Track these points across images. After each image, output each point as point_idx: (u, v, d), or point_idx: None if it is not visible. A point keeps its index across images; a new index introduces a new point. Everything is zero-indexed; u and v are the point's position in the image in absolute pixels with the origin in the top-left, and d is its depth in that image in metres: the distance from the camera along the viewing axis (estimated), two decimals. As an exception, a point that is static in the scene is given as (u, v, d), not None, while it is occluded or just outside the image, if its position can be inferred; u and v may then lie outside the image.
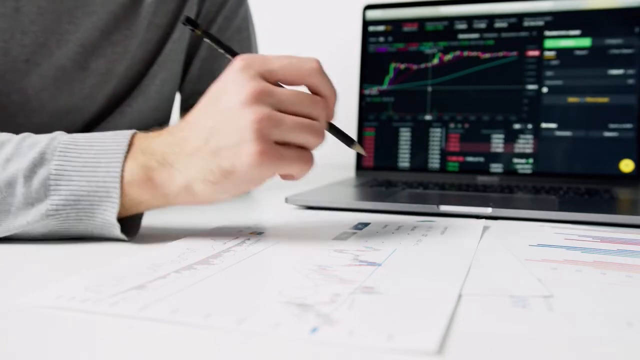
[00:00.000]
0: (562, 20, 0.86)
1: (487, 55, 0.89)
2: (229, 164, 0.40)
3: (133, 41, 0.69)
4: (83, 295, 0.31)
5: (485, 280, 0.35)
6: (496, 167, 0.87)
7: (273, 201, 0.68)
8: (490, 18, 0.89)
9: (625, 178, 0.81)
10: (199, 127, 0.42)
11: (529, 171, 0.85)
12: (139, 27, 0.69)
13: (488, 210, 0.57)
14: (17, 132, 0.64)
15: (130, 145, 0.43)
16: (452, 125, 0.89)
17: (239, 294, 0.32)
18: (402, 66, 0.92)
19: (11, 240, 0.44)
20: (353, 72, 1.02)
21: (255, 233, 0.48)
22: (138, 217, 0.46)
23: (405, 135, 0.91)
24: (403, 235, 0.48)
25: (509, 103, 0.87)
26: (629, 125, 0.82)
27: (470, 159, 0.88)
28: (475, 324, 0.28)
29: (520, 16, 0.88)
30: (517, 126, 0.86)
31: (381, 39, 0.94)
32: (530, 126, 0.86)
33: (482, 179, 0.87)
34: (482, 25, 0.89)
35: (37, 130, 0.65)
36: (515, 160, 0.86)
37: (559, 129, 0.85)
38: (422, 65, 0.92)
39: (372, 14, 0.95)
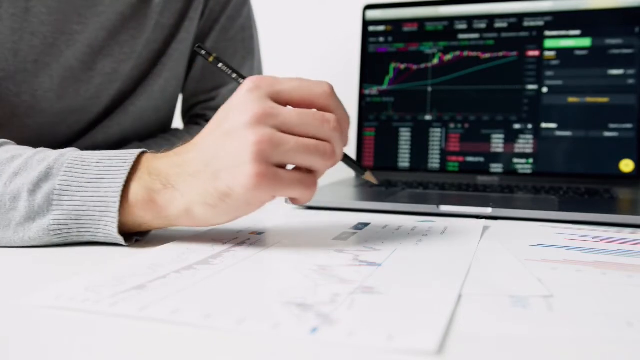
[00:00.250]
0: (562, 20, 0.86)
1: (487, 55, 0.89)
2: (226, 186, 0.40)
3: (139, 41, 0.69)
4: (83, 295, 0.31)
5: (485, 280, 0.35)
6: (496, 167, 0.87)
7: (273, 201, 0.68)
8: (490, 18, 0.89)
9: (625, 178, 0.81)
10: (203, 149, 0.41)
11: (529, 171, 0.85)
12: (146, 27, 0.69)
13: (488, 210, 0.57)
14: (22, 132, 0.65)
15: (137, 163, 0.43)
16: (452, 125, 0.89)
17: (239, 294, 0.32)
18: (402, 66, 0.92)
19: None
20: (353, 72, 1.02)
21: (255, 233, 0.48)
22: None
23: (405, 135, 0.91)
24: (403, 236, 0.48)
25: (509, 103, 0.87)
26: (629, 125, 0.82)
27: (470, 159, 0.88)
28: (475, 324, 0.28)
29: (520, 16, 0.88)
30: (517, 126, 0.86)
31: (381, 39, 0.94)
32: (530, 126, 0.86)
33: (482, 179, 0.87)
34: (482, 25, 0.89)
35: (42, 130, 0.66)
36: (515, 160, 0.86)
37: (559, 129, 0.85)
38: (422, 65, 0.92)
39: (372, 14, 0.95)
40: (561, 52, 0.85)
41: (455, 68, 0.90)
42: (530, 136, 0.86)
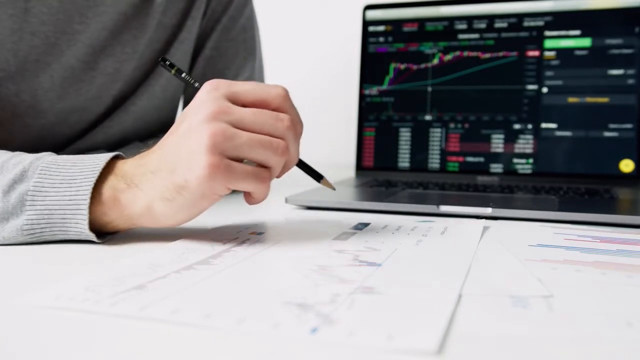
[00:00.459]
0: (562, 20, 0.86)
1: (487, 55, 0.89)
2: (182, 178, 0.41)
3: (141, 41, 0.69)
4: (83, 295, 0.31)
5: (485, 280, 0.35)
6: (496, 167, 0.87)
7: (273, 201, 0.68)
8: (490, 18, 0.89)
9: (625, 178, 0.81)
10: (164, 149, 0.43)
11: (529, 171, 0.85)
12: (148, 27, 0.69)
13: (488, 211, 0.57)
14: (24, 132, 0.65)
15: (108, 166, 0.44)
16: (452, 125, 0.89)
17: (239, 294, 0.32)
18: (402, 66, 0.92)
19: (11, 240, 0.44)
20: (353, 72, 1.02)
21: (255, 233, 0.48)
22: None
23: (405, 135, 0.91)
24: (403, 236, 0.48)
25: (509, 103, 0.87)
26: (629, 125, 0.82)
27: (470, 159, 0.88)
28: (475, 324, 0.28)
29: (520, 16, 0.88)
30: (517, 126, 0.86)
31: (381, 39, 0.94)
32: (530, 126, 0.86)
33: (482, 179, 0.87)
34: (482, 25, 0.89)
35: (43, 130, 0.66)
36: (515, 160, 0.86)
37: (559, 129, 0.85)
38: (422, 65, 0.92)
39: (372, 14, 0.95)
40: (561, 52, 0.85)
41: (455, 68, 0.90)
42: (530, 136, 0.86)
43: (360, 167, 0.93)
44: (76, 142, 0.69)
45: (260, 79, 0.83)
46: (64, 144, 0.69)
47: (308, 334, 0.26)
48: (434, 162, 0.90)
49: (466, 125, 0.89)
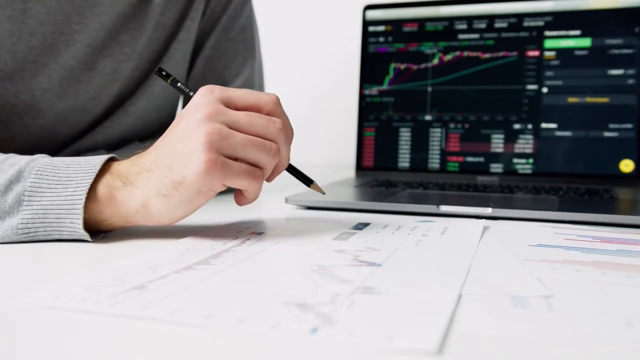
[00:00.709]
0: (562, 20, 0.86)
1: (487, 55, 0.89)
2: (180, 174, 0.42)
3: (140, 41, 0.69)
4: (83, 295, 0.31)
5: (485, 280, 0.35)
6: (496, 167, 0.87)
7: (273, 201, 0.68)
8: (490, 18, 0.89)
9: (625, 178, 0.81)
10: (160, 149, 0.45)
11: (529, 171, 0.85)
12: (146, 27, 0.69)
13: (488, 211, 0.57)
14: (23, 132, 0.65)
15: (104, 167, 0.45)
16: (452, 125, 0.89)
17: (239, 294, 0.32)
18: (402, 66, 0.92)
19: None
20: (353, 72, 1.02)
21: (255, 233, 0.48)
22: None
23: (405, 135, 0.91)
24: (403, 236, 0.48)
25: (509, 103, 0.87)
26: (629, 125, 0.82)
27: (470, 159, 0.88)
28: (475, 324, 0.28)
29: (520, 16, 0.88)
30: (517, 126, 0.86)
31: (381, 39, 0.94)
32: (530, 126, 0.86)
33: (482, 179, 0.87)
34: (482, 25, 0.89)
35: (43, 130, 0.66)
36: (515, 160, 0.86)
37: (559, 129, 0.85)
38: (422, 65, 0.92)
39: (372, 14, 0.95)
40: (561, 52, 0.85)
41: (455, 68, 0.90)
42: (530, 136, 0.86)
43: (360, 167, 0.93)
44: (76, 143, 0.69)
45: (260, 79, 0.83)
46: (63, 145, 0.69)
47: (308, 334, 0.26)
48: (434, 162, 0.90)
49: (466, 125, 0.89)
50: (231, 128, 0.43)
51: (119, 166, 0.45)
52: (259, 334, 0.26)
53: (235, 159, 0.44)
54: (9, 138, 0.64)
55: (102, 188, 0.44)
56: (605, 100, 0.83)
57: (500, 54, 0.88)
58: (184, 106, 0.84)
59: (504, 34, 0.88)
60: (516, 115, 0.86)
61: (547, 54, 0.86)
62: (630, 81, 0.82)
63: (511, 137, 0.86)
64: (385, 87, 0.93)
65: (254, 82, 0.79)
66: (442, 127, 0.90)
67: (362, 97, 0.94)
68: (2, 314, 0.29)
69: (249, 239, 0.46)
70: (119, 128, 0.71)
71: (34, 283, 0.35)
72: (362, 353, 0.24)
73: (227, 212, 0.59)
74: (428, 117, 0.91)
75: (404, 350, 0.24)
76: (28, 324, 0.28)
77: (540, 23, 0.87)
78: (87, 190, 0.43)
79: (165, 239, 0.46)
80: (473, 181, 0.84)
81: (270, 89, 0.82)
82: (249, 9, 0.81)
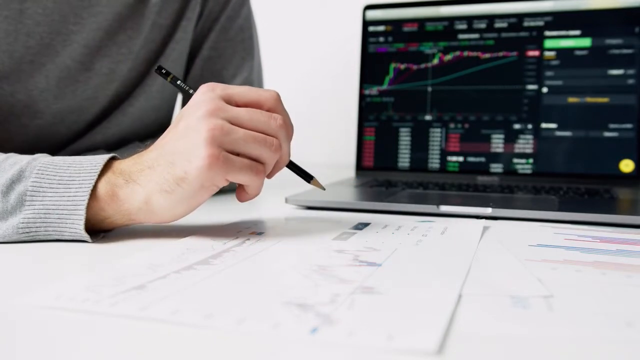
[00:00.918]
0: (562, 20, 0.86)
1: (487, 55, 0.89)
2: (182, 170, 0.43)
3: (137, 41, 0.69)
4: (83, 295, 0.31)
5: (485, 280, 0.35)
6: (496, 167, 0.87)
7: (273, 201, 0.68)
8: (490, 18, 0.89)
9: (625, 178, 0.81)
10: (162, 146, 0.45)
11: (529, 171, 0.85)
12: (143, 27, 0.69)
13: (488, 211, 0.57)
14: (21, 133, 0.65)
15: (106, 166, 0.45)
16: (452, 125, 0.89)
17: (239, 294, 0.32)
18: (402, 66, 0.92)
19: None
20: (353, 72, 1.02)
21: (255, 233, 0.48)
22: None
23: (405, 135, 0.91)
24: (403, 236, 0.48)
25: (509, 103, 0.87)
26: (629, 125, 0.82)
27: (470, 159, 0.88)
28: (475, 324, 0.28)
29: (520, 16, 0.88)
30: (517, 126, 0.86)
31: (381, 39, 0.94)
32: (530, 126, 0.86)
33: (482, 179, 0.87)
34: (482, 25, 0.89)
35: (40, 130, 0.66)
36: (515, 160, 0.86)
37: (559, 129, 0.85)
38: (422, 65, 0.92)
39: (372, 14, 0.95)
40: (561, 52, 0.85)
41: (455, 68, 0.90)
42: (530, 136, 0.86)
43: (360, 167, 0.93)
44: (75, 143, 0.69)
45: (259, 79, 0.83)
46: (62, 145, 0.69)
47: (308, 334, 0.26)
48: (434, 162, 0.90)
49: (466, 125, 0.89)
50: (233, 124, 0.43)
51: (121, 164, 0.45)
52: (259, 334, 0.26)
53: (237, 155, 0.44)
54: (7, 138, 0.64)
55: (104, 186, 0.44)
56: (605, 100, 0.83)
57: (500, 54, 0.88)
58: (183, 105, 0.84)
59: (504, 34, 0.88)
60: (516, 115, 0.86)
61: (547, 54, 0.86)
62: (630, 81, 0.82)
63: (511, 137, 0.86)
64: (385, 87, 0.93)
65: (253, 82, 0.79)
66: (442, 127, 0.90)
67: (362, 97, 0.94)
68: (2, 314, 0.29)
69: (249, 239, 0.46)
70: (117, 128, 0.71)
71: (34, 283, 0.35)
72: (362, 353, 0.24)
73: (227, 212, 0.59)
74: (428, 117, 0.90)
75: (404, 350, 0.24)
76: (28, 324, 0.28)
77: (540, 23, 0.87)
78: (89, 191, 0.43)
79: (165, 239, 0.46)
80: (473, 181, 0.84)
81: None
82: (247, 9, 0.81)
